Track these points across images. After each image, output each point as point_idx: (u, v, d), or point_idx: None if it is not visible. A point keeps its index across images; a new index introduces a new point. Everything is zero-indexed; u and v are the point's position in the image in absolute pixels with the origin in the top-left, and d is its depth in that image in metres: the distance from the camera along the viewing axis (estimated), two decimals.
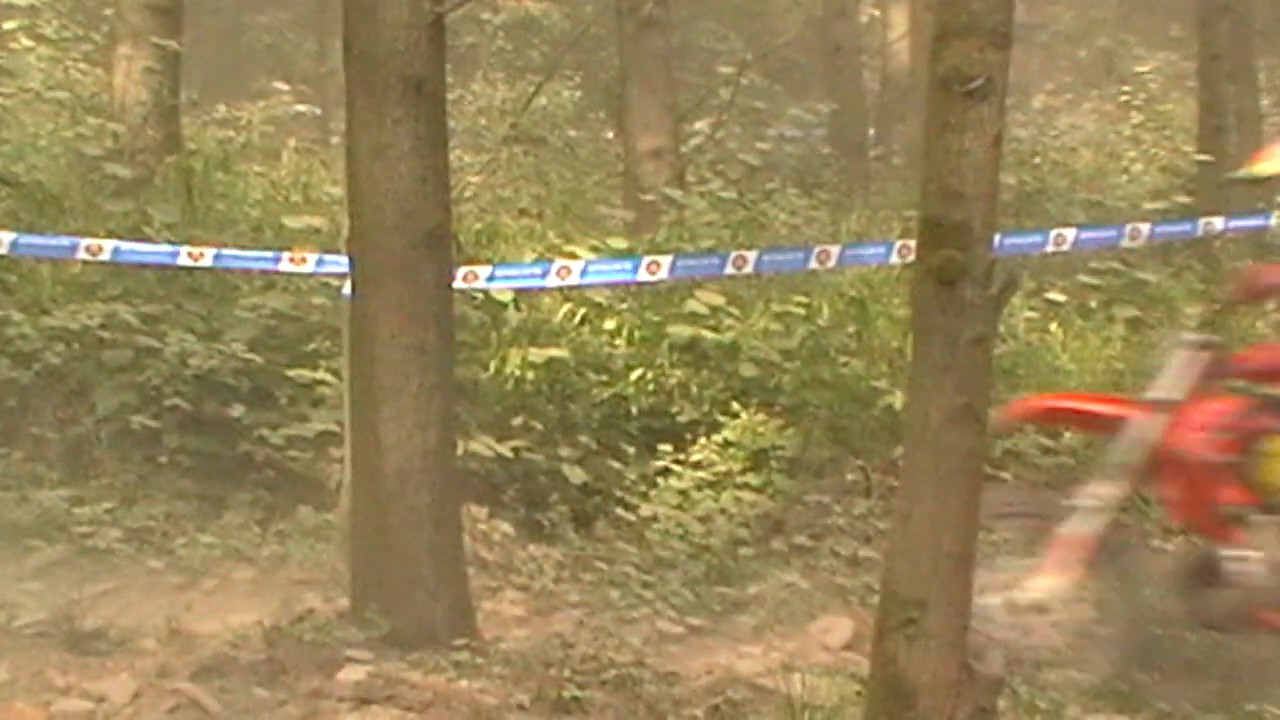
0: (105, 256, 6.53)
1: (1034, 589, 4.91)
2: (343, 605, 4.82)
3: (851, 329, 7.36)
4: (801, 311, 7.19)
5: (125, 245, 6.64)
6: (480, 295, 6.73)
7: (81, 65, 9.76)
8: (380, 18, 4.65)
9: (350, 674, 4.25)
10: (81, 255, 6.59)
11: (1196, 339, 5.25)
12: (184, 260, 6.58)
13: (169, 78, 8.25)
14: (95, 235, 6.67)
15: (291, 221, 7.47)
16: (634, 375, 6.77)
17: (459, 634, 4.55)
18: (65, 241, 6.64)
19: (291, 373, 6.51)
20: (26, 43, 9.97)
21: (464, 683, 4.25)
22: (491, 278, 6.56)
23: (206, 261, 6.54)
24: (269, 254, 6.69)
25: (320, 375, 6.45)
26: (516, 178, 9.42)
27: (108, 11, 9.04)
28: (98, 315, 6.64)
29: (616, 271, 6.61)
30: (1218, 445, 5.01)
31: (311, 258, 6.49)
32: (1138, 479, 5.10)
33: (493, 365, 6.67)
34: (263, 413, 6.50)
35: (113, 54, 8.47)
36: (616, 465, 6.52)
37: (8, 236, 6.50)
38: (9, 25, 10.04)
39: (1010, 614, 4.89)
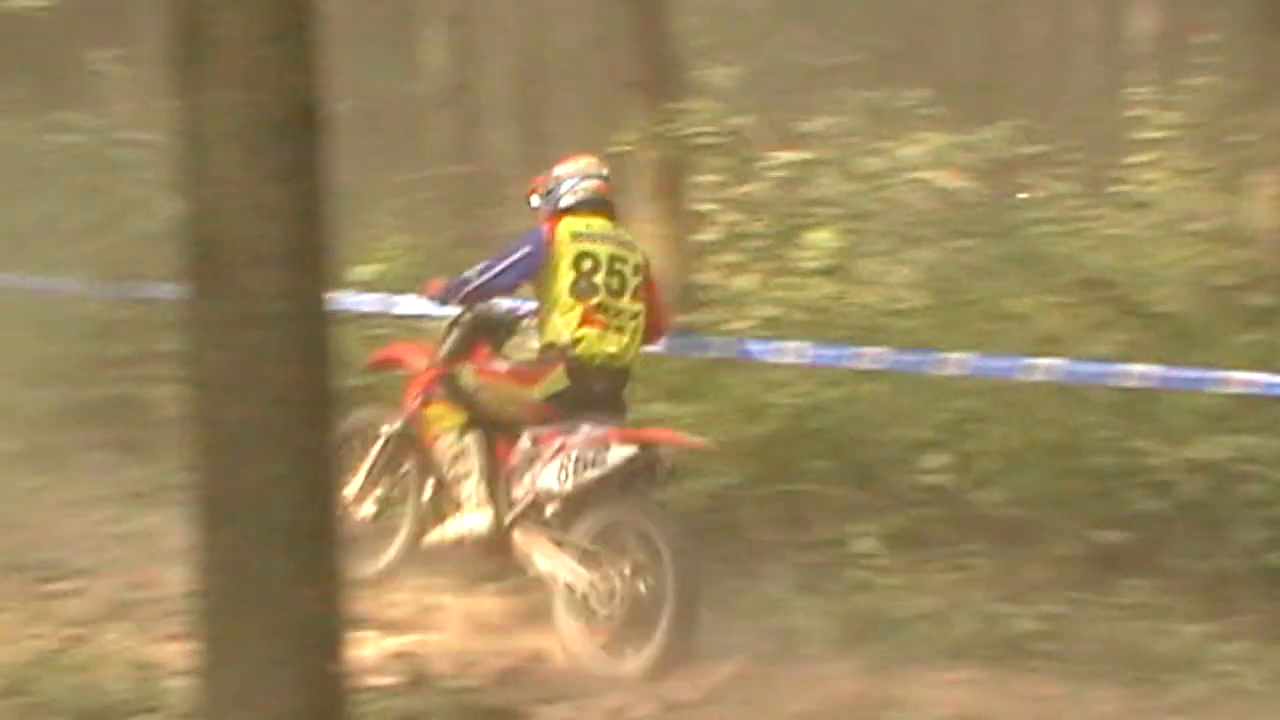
0: (1249, 389, 6.48)
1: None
2: None
3: None
4: None
5: (1262, 377, 6.52)
6: None
7: (1209, 194, 9.73)
8: None
9: None
10: (1214, 388, 6.57)
11: (457, 314, 6.59)
12: None
13: None
14: (1222, 366, 6.61)
15: None
16: None
17: None
18: (1197, 372, 6.60)
19: None
20: (1154, 175, 10.12)
21: None
22: None
23: None
24: None
25: None
26: None
27: (1234, 139, 8.95)
28: (1229, 447, 6.58)
29: None
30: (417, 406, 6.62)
31: None
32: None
33: None
34: None
35: (1243, 180, 8.39)
36: None
37: (1149, 370, 6.61)
38: (1140, 158, 10.25)
39: None
